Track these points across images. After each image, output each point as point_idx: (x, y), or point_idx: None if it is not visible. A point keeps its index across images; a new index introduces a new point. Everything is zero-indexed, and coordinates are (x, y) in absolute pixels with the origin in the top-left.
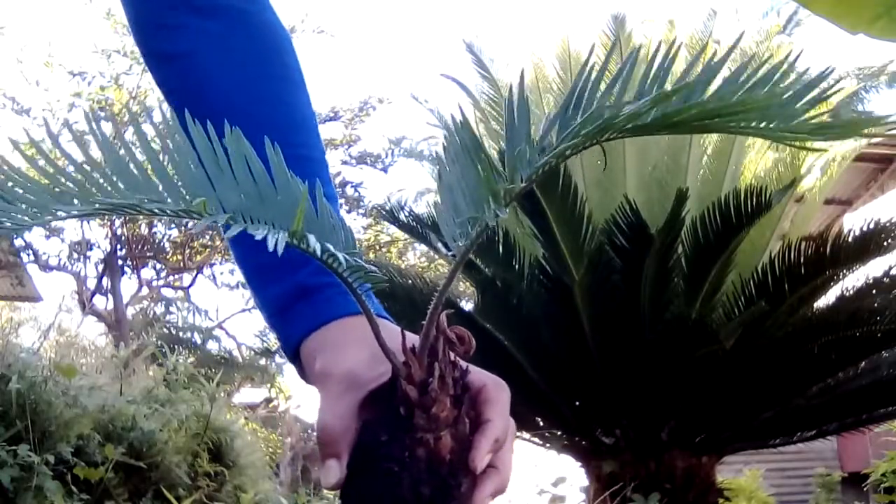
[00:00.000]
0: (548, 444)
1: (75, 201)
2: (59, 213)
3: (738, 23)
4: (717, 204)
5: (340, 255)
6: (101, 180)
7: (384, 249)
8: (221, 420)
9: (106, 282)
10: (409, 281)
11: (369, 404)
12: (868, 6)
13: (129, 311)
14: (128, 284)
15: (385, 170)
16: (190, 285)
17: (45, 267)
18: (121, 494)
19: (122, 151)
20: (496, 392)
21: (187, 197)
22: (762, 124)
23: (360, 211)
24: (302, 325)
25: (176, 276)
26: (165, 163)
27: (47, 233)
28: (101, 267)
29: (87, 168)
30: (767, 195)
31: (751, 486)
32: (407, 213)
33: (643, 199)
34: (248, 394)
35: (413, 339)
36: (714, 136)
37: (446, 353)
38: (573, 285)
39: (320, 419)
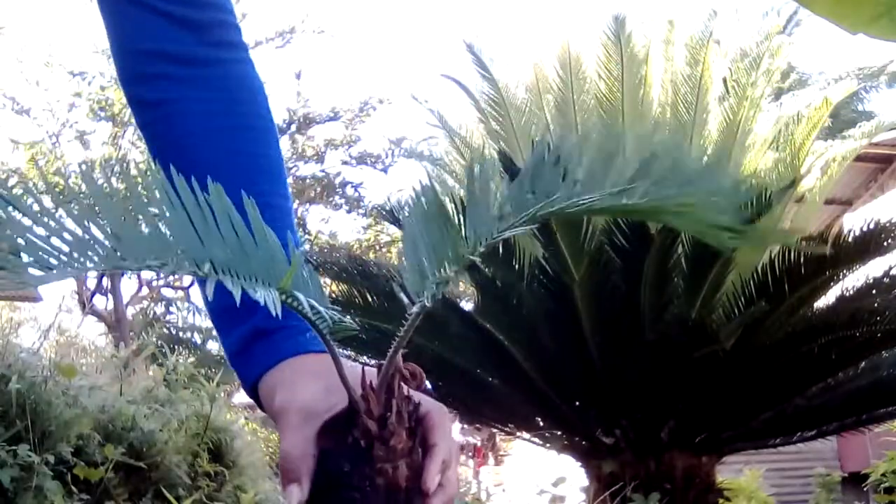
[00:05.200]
0: (548, 444)
1: (74, 258)
2: (53, 272)
3: (738, 23)
4: None
5: (326, 314)
6: (100, 237)
7: (384, 249)
8: (221, 420)
9: (106, 282)
10: None
11: (325, 434)
12: (868, 6)
13: (129, 311)
14: (128, 284)
15: (385, 170)
16: (190, 285)
17: None
18: (121, 494)
19: (117, 202)
20: (439, 418)
21: (179, 252)
22: (693, 221)
23: (360, 211)
24: (259, 365)
25: (176, 276)
26: (156, 218)
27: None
28: None
29: (81, 226)
30: (767, 195)
31: (751, 486)
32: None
33: None
34: None
35: (370, 374)
36: (714, 136)
37: (401, 388)
38: (573, 285)
39: (282, 449)
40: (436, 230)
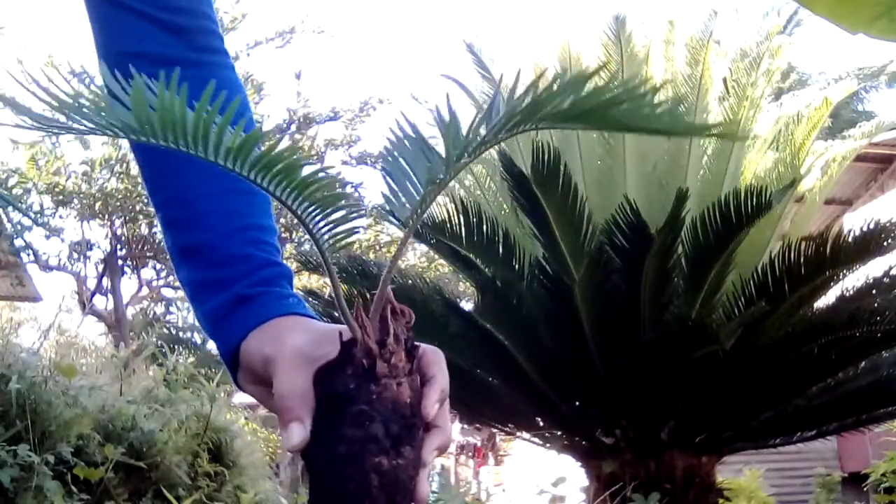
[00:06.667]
0: (548, 444)
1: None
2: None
3: (738, 23)
4: (718, 204)
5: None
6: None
7: (384, 249)
8: (221, 420)
9: (106, 282)
10: (409, 281)
11: (321, 379)
12: (868, 6)
13: (129, 311)
14: (128, 284)
15: None
16: None
17: (45, 267)
18: (121, 494)
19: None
20: (434, 355)
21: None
22: (621, 120)
23: (360, 211)
24: (243, 327)
25: (176, 277)
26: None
27: (47, 233)
28: (101, 267)
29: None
30: (767, 195)
31: (751, 486)
32: None
33: (643, 199)
34: None
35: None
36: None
37: (394, 318)
38: (573, 285)
39: (278, 390)
40: (411, 155)
